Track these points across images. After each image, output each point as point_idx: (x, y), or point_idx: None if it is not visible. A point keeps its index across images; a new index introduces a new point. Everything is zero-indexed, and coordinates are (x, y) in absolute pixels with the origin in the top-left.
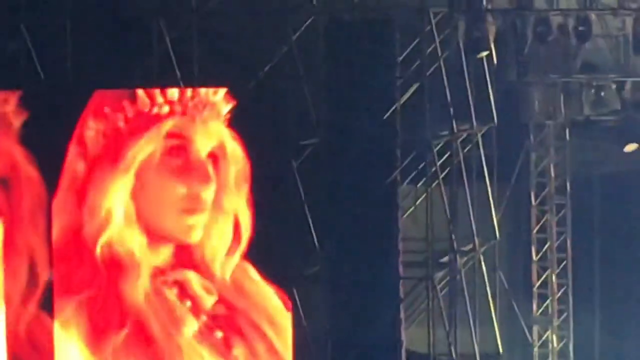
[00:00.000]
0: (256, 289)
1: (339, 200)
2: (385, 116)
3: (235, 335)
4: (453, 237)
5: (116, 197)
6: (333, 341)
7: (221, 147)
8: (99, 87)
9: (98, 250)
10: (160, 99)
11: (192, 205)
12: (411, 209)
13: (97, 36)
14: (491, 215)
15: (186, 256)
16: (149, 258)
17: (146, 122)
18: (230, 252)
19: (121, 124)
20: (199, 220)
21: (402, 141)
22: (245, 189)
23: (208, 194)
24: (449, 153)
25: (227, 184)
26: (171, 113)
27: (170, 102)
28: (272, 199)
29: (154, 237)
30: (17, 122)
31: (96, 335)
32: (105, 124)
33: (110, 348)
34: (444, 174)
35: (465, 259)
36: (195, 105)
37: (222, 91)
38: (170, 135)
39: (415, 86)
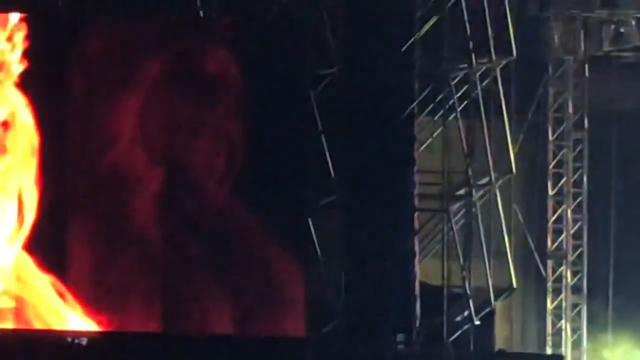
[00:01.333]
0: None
1: (356, 131)
2: (404, 48)
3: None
4: (469, 170)
5: (127, 117)
6: (347, 272)
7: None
8: None
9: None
10: None
11: (198, 126)
12: (428, 142)
13: None
14: (508, 149)
15: None
16: None
17: (162, 37)
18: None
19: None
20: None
21: (420, 73)
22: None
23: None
24: (467, 86)
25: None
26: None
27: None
28: (289, 129)
29: (153, 158)
30: (17, 69)
31: None
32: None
33: None
34: (461, 107)
35: (481, 192)
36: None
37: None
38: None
39: (435, 18)
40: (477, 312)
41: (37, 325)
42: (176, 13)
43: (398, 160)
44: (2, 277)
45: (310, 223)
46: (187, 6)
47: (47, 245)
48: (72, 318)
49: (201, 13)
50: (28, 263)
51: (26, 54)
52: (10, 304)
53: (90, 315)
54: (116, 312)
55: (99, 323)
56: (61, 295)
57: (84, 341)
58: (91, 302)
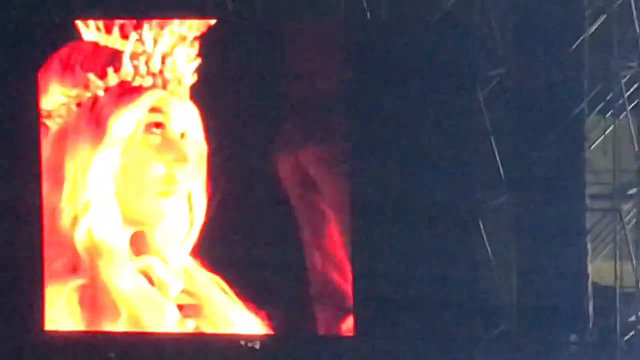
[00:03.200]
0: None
1: (525, 131)
2: (573, 47)
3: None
4: None
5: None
6: (518, 272)
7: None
8: None
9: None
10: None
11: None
12: (598, 140)
13: None
14: None
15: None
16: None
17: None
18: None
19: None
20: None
21: (589, 72)
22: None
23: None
24: (637, 84)
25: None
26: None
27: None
28: (458, 130)
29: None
30: (189, 81)
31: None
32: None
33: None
34: (632, 105)
35: None
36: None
37: (196, 62)
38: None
39: (603, 17)
40: None
41: (212, 320)
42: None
43: (568, 160)
44: (180, 276)
45: (481, 224)
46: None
47: (213, 246)
48: (237, 313)
49: (368, 15)
50: (197, 263)
51: (199, 68)
52: (192, 300)
53: (252, 311)
54: (274, 310)
55: (261, 319)
56: (225, 293)
57: (257, 345)
58: (251, 299)
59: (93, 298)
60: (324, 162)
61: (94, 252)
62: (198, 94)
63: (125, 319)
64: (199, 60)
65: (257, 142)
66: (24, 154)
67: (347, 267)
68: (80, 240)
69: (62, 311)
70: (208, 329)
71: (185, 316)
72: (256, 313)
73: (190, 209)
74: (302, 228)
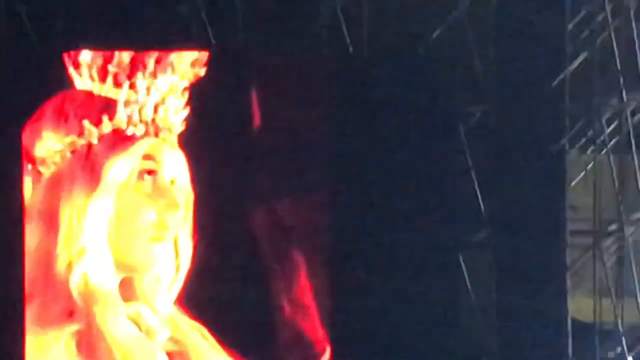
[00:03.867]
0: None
1: (506, 167)
2: (554, 84)
3: None
4: (621, 206)
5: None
6: (498, 308)
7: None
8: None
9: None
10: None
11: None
12: (579, 177)
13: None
14: None
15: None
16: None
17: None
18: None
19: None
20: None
21: (570, 108)
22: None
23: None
24: (617, 121)
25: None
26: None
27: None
28: (439, 165)
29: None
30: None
31: None
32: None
33: None
34: (612, 142)
35: (633, 228)
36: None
37: (184, 112)
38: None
39: (584, 54)
40: (629, 349)
41: None
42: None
43: (549, 196)
44: (167, 323)
45: (462, 260)
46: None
47: (197, 294)
48: None
49: (350, 49)
50: (180, 311)
51: (187, 118)
52: (178, 348)
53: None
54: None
55: None
56: (208, 340)
57: None
58: (233, 347)
59: (90, 344)
60: (300, 211)
61: (89, 298)
62: (186, 142)
63: None
64: (187, 110)
65: (237, 190)
66: (8, 198)
67: (315, 314)
68: (75, 286)
69: (61, 356)
70: None
71: None
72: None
73: (177, 254)
74: (272, 276)
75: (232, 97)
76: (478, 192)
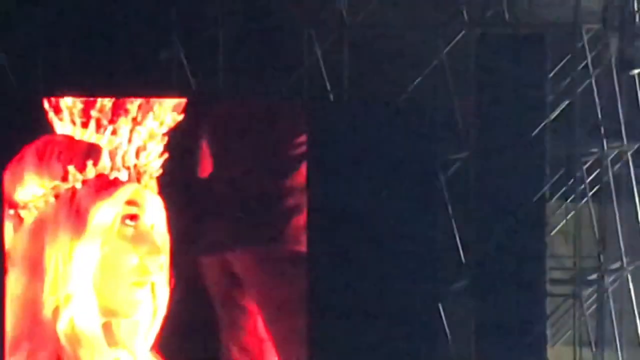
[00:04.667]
0: None
1: (487, 215)
2: (535, 132)
3: None
4: (601, 256)
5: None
6: (478, 357)
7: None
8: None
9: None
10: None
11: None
12: (560, 225)
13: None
14: None
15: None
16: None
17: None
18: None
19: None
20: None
21: (551, 157)
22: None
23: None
24: (598, 170)
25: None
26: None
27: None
28: (419, 213)
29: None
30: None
31: None
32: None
33: None
34: (593, 191)
35: (612, 277)
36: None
37: (164, 157)
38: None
39: (565, 102)
40: None
41: None
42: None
43: (529, 245)
44: None
45: (441, 308)
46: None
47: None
48: None
49: (331, 97)
50: (157, 356)
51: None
52: None
53: None
54: None
55: None
56: None
57: None
58: None
59: None
60: (251, 261)
61: (76, 342)
62: (163, 187)
63: None
64: (166, 155)
65: (191, 236)
66: None
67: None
68: (62, 331)
69: None
70: None
71: None
72: None
73: (154, 299)
74: (221, 324)
75: (203, 143)
76: (458, 241)
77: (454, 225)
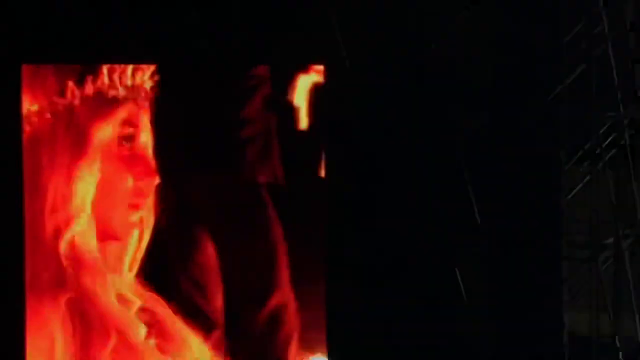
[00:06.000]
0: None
1: (502, 180)
2: (551, 96)
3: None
4: (617, 219)
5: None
6: (493, 322)
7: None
8: None
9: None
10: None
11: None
12: (575, 190)
13: None
14: None
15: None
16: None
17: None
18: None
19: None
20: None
21: (567, 121)
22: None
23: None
24: (614, 135)
25: None
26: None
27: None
28: (435, 177)
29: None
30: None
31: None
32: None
33: None
34: (608, 155)
35: (629, 241)
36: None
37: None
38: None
39: (582, 66)
40: None
41: (169, 337)
42: None
43: (545, 210)
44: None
45: (458, 272)
46: None
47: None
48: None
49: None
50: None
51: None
52: (150, 318)
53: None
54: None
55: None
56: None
57: None
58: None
59: (82, 311)
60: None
61: (78, 264)
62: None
63: (114, 336)
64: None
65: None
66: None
67: (213, 289)
68: (64, 252)
69: (56, 325)
70: (166, 346)
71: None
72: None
73: (141, 224)
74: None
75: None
76: (474, 205)
77: (470, 190)
